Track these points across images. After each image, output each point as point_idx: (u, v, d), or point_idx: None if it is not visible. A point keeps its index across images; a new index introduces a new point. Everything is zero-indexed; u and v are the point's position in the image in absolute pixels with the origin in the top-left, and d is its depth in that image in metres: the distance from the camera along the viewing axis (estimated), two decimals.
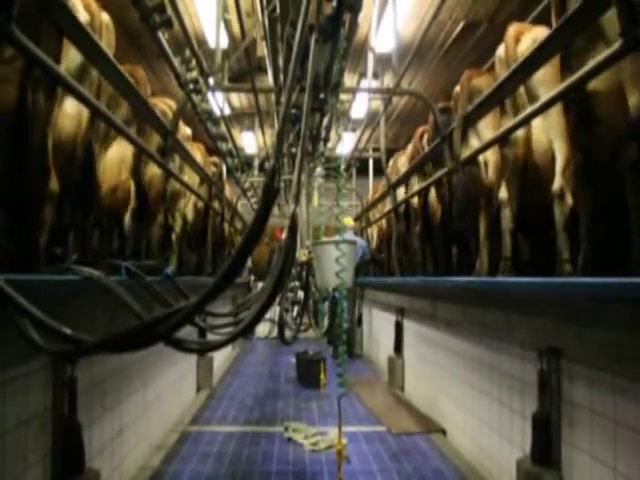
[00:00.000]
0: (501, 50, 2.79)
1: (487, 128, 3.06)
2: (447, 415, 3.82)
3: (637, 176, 1.80)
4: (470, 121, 3.16)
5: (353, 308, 7.43)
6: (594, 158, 2.09)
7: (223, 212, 6.44)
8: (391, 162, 5.61)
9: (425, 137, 4.28)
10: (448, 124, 3.48)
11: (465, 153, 3.20)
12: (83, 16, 2.28)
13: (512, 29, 2.73)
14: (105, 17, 2.51)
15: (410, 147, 4.77)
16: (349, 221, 7.84)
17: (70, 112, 2.31)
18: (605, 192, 2.12)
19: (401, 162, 5.16)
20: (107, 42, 2.52)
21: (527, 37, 2.62)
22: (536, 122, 2.51)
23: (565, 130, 2.28)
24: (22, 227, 1.89)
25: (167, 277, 2.85)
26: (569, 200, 2.29)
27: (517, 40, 2.68)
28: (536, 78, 2.41)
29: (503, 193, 2.81)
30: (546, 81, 2.36)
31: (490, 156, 3.04)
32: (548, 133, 2.44)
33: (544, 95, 2.24)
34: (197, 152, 4.86)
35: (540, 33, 2.50)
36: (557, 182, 2.31)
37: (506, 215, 2.80)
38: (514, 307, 2.46)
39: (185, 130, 4.43)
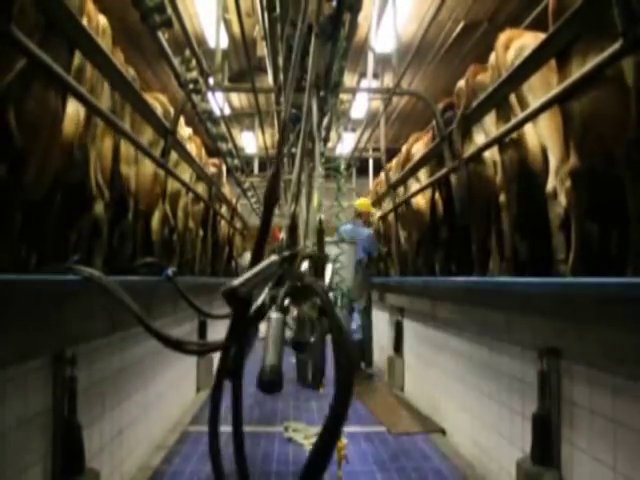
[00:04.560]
0: (492, 58, 2.82)
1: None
2: (447, 415, 3.82)
3: (636, 174, 1.80)
4: (471, 120, 3.15)
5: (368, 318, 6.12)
6: (589, 160, 2.09)
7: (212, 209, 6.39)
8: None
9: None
10: (451, 122, 3.47)
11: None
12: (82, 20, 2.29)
13: (502, 36, 2.75)
14: (102, 20, 2.51)
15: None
16: (363, 204, 6.25)
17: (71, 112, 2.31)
18: (599, 193, 2.12)
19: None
20: (104, 45, 2.52)
21: (516, 44, 2.64)
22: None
23: (558, 131, 2.28)
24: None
25: (168, 278, 2.86)
26: (562, 201, 2.29)
27: (507, 47, 2.69)
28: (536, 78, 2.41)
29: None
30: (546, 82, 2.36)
31: None
32: (540, 134, 2.44)
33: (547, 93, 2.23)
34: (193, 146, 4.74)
35: (530, 39, 2.51)
36: (551, 183, 2.32)
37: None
38: (514, 307, 2.46)
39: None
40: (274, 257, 1.19)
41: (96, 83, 2.48)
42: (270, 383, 0.99)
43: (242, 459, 1.21)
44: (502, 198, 2.83)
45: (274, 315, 1.12)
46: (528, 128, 2.57)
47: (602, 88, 1.90)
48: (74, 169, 2.39)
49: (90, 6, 2.39)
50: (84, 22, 2.27)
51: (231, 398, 1.29)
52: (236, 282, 1.00)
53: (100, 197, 2.69)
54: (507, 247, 2.81)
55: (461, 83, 3.35)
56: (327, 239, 3.32)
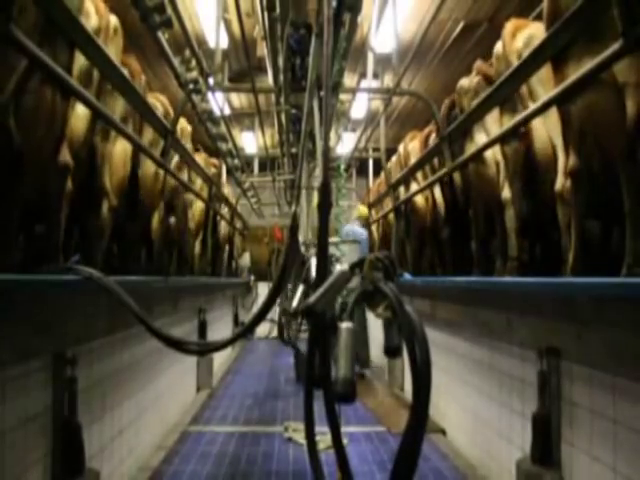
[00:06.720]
0: (498, 47, 2.82)
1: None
2: (447, 415, 3.82)
3: (632, 173, 1.80)
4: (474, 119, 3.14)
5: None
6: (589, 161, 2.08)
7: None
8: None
9: None
10: (454, 119, 3.46)
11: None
12: (94, 19, 2.30)
13: (509, 25, 2.74)
14: (114, 20, 2.52)
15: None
16: (363, 211, 6.99)
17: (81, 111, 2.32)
18: (598, 193, 2.12)
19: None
20: (116, 45, 2.53)
21: (523, 33, 2.64)
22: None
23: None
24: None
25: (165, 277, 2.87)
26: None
27: (514, 36, 2.69)
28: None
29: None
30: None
31: None
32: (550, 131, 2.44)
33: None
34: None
35: (537, 29, 2.51)
36: (560, 182, 2.30)
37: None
38: (514, 307, 2.46)
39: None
40: (343, 267, 1.20)
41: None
42: (344, 395, 1.02)
43: (344, 460, 1.30)
44: (506, 195, 2.83)
45: (344, 325, 1.13)
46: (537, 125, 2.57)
47: (602, 88, 1.90)
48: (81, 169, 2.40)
49: (100, 5, 2.39)
50: (94, 21, 2.28)
51: (324, 404, 1.38)
52: (312, 299, 1.08)
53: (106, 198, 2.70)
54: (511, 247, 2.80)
55: (463, 81, 3.35)
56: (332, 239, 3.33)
